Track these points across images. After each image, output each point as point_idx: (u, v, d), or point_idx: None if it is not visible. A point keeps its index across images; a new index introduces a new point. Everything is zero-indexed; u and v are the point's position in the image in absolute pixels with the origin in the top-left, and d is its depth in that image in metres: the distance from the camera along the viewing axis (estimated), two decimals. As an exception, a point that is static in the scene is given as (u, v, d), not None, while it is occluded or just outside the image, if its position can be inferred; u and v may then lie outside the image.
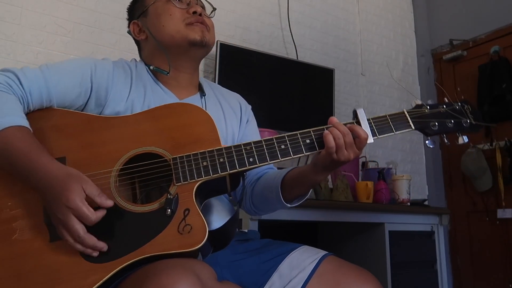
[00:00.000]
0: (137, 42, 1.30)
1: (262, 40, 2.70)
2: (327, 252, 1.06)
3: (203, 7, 1.25)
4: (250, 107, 1.37)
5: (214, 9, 1.28)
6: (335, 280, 0.97)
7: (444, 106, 1.09)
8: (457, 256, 3.18)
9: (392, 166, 2.68)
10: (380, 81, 3.25)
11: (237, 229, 1.18)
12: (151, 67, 1.20)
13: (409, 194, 2.48)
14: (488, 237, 3.04)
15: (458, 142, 1.08)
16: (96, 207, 0.89)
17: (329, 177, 2.51)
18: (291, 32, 2.79)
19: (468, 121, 1.07)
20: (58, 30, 2.04)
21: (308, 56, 2.87)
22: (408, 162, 3.29)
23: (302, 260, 1.02)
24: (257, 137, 1.28)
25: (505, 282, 2.90)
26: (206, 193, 1.01)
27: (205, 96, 1.24)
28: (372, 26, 3.30)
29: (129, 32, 1.29)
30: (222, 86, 1.38)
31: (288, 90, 2.55)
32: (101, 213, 0.89)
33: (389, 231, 2.25)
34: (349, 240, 2.40)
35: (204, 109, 1.07)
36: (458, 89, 3.22)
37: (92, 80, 1.10)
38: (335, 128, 1.00)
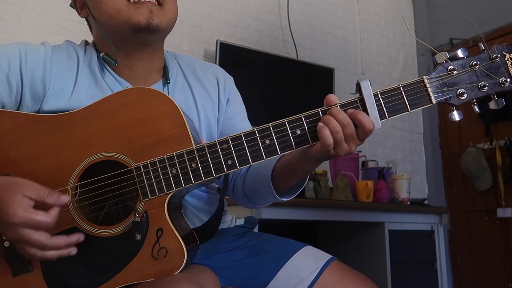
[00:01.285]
0: (86, 19, 1.05)
1: (262, 39, 2.70)
2: (329, 257, 0.96)
3: None
4: (231, 80, 1.13)
5: None
6: None
7: (478, 63, 0.80)
8: (457, 256, 3.18)
9: (392, 166, 2.68)
10: (380, 81, 3.25)
11: (234, 222, 1.10)
12: (101, 54, 0.97)
13: (409, 193, 2.48)
14: (488, 237, 3.04)
15: (490, 106, 0.82)
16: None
17: (329, 176, 2.51)
18: (291, 31, 2.79)
19: (509, 80, 0.80)
20: (58, 30, 2.04)
21: (308, 55, 2.87)
22: (408, 161, 3.29)
23: (302, 269, 0.93)
24: (243, 119, 1.12)
25: (505, 281, 2.90)
26: (181, 197, 0.90)
27: (169, 84, 1.01)
28: (372, 25, 3.29)
29: (71, 6, 1.04)
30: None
31: (288, 89, 2.54)
32: (55, 211, 0.76)
33: (389, 231, 2.26)
34: (349, 239, 2.40)
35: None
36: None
37: (21, 71, 0.89)
38: (332, 118, 0.79)
